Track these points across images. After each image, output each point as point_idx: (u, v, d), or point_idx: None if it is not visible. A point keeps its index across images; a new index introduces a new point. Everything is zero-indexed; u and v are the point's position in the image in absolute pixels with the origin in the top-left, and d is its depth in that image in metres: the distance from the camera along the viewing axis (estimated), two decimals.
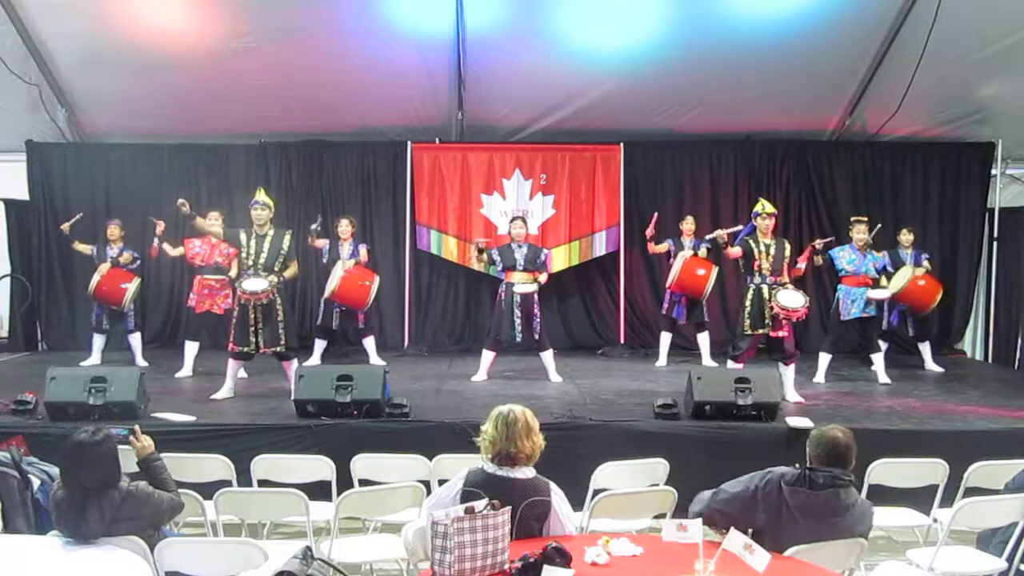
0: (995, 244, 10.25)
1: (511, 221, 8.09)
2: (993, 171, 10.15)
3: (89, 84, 9.31)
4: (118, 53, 8.60)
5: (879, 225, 8.72)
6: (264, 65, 8.73)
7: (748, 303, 7.05)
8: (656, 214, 9.11)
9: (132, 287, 8.55)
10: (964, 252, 10.17)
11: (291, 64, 8.78)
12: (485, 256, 7.86)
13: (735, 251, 7.21)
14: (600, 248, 10.04)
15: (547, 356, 7.87)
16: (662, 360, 9.12)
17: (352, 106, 9.55)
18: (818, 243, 7.56)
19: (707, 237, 8.70)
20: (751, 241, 7.13)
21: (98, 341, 8.85)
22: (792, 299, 6.91)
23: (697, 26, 8.41)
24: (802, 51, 8.53)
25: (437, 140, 10.11)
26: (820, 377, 8.02)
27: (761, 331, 6.99)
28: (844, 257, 8.18)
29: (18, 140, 9.89)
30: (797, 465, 3.56)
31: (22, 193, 10.10)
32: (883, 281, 8.35)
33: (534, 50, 8.76)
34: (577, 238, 10.01)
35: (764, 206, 7.18)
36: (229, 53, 8.61)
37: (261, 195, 7.09)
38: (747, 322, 7.04)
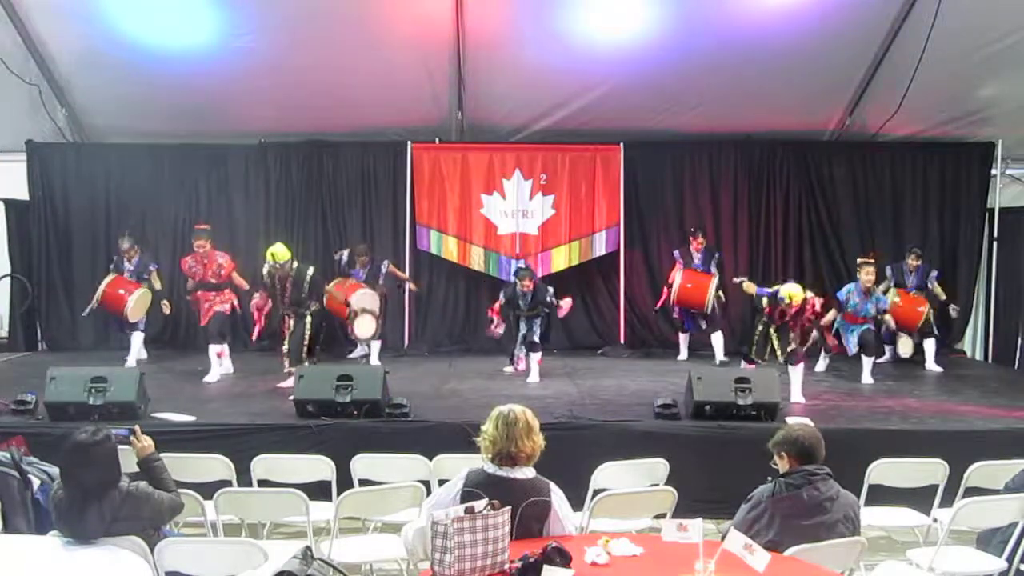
0: (995, 244, 10.24)
1: (516, 273, 8.23)
2: (993, 171, 10.14)
3: (89, 84, 9.32)
4: (118, 53, 8.61)
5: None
6: (264, 65, 8.73)
7: (757, 334, 7.21)
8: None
9: (131, 300, 8.42)
10: (964, 252, 10.17)
11: (291, 64, 8.77)
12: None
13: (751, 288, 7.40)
14: (600, 248, 10.03)
15: (533, 358, 7.95)
16: (683, 355, 9.36)
17: (352, 106, 9.54)
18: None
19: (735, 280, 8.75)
20: (766, 306, 7.08)
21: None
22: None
23: (697, 26, 8.41)
24: (802, 51, 8.53)
25: (437, 140, 10.11)
26: (821, 367, 8.44)
27: (763, 362, 7.11)
28: (849, 299, 8.22)
29: (18, 140, 9.88)
30: (769, 478, 3.63)
31: (22, 193, 10.09)
32: (888, 317, 8.45)
33: (534, 50, 8.76)
34: (577, 238, 10.00)
35: (792, 298, 6.86)
36: (229, 53, 8.61)
37: (277, 256, 7.29)
38: (754, 349, 7.21)
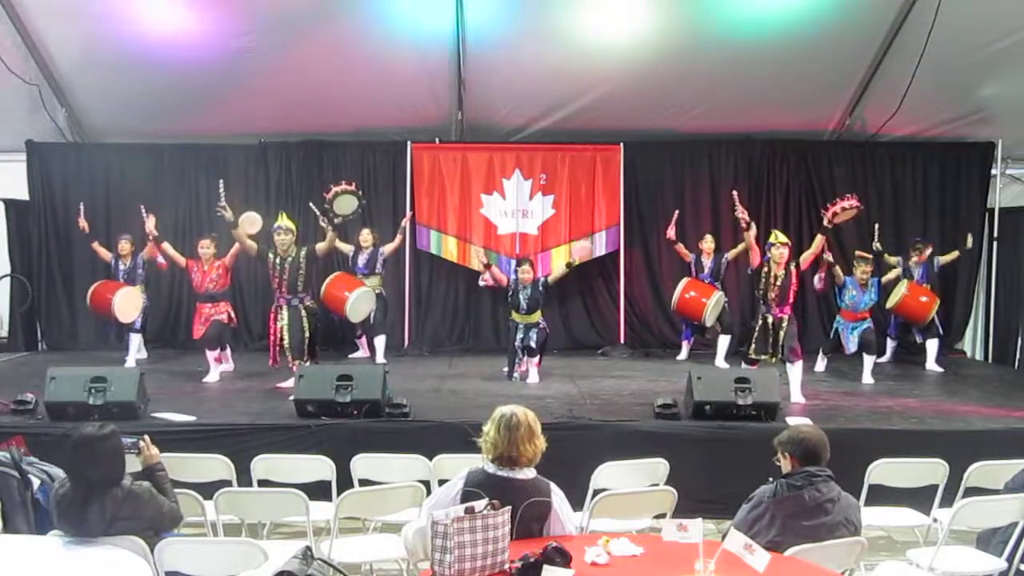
0: (995, 244, 10.24)
1: (519, 265, 8.12)
2: (993, 171, 10.15)
3: (89, 84, 9.32)
4: (118, 53, 8.60)
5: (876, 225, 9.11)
6: (264, 65, 8.74)
7: (757, 331, 7.20)
8: (676, 212, 9.30)
9: (116, 300, 8.42)
10: (964, 252, 10.16)
11: (291, 64, 8.78)
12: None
13: (754, 243, 7.29)
14: (600, 248, 10.03)
15: (530, 361, 7.96)
16: (683, 355, 9.41)
17: (352, 106, 9.55)
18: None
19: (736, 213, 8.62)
20: (765, 267, 7.15)
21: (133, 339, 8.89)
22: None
23: (697, 26, 8.41)
24: (802, 51, 8.53)
25: (437, 140, 10.11)
26: (821, 367, 8.48)
27: (765, 357, 7.10)
28: (846, 293, 8.29)
29: (18, 140, 9.88)
30: (771, 478, 3.63)
31: (22, 193, 10.10)
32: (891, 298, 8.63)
33: (534, 50, 8.75)
34: (577, 238, 9.99)
35: (777, 236, 7.17)
36: (229, 53, 8.61)
37: (283, 220, 7.42)
38: (753, 347, 7.20)
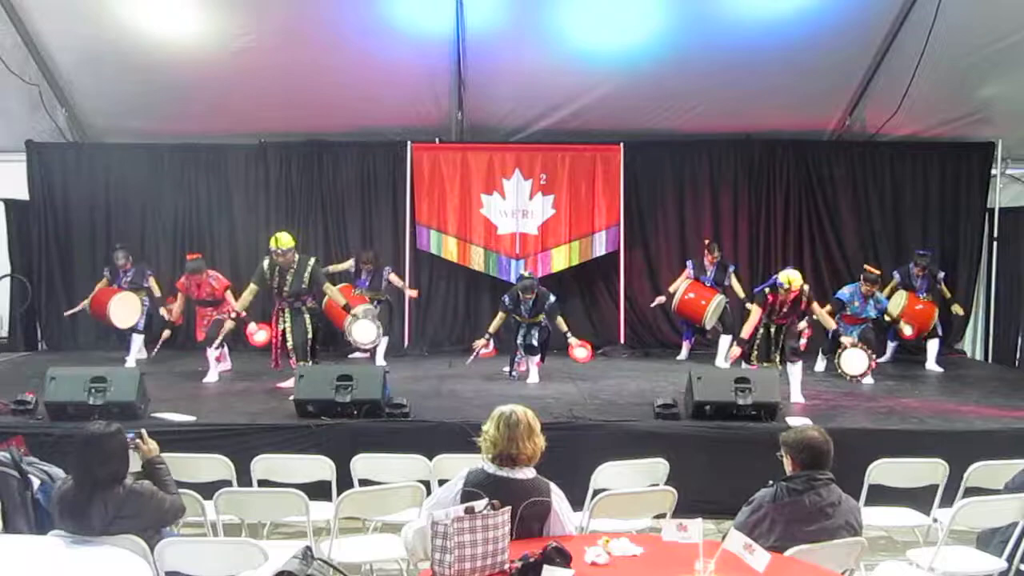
0: (995, 244, 10.24)
1: (519, 283, 8.04)
2: (993, 171, 10.14)
3: (89, 84, 9.32)
4: (118, 53, 8.61)
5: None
6: (264, 65, 8.73)
7: (758, 338, 7.16)
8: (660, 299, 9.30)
9: (112, 305, 8.46)
10: (964, 252, 10.17)
11: (291, 64, 8.77)
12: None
13: (755, 314, 7.13)
14: (600, 248, 10.03)
15: (531, 360, 7.95)
16: (683, 355, 9.39)
17: (352, 106, 9.54)
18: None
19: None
20: (768, 294, 7.01)
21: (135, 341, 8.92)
22: (857, 365, 7.24)
23: (697, 26, 8.41)
24: (802, 51, 8.53)
25: (437, 140, 10.11)
26: (821, 367, 8.50)
27: (767, 364, 7.07)
28: (851, 303, 8.27)
29: (18, 140, 9.88)
30: (771, 482, 3.61)
31: (22, 193, 10.09)
32: (897, 320, 8.61)
33: (534, 50, 8.76)
34: (577, 238, 9.99)
35: (791, 281, 6.82)
36: (229, 53, 8.61)
37: (281, 242, 7.16)
38: (755, 354, 7.17)
